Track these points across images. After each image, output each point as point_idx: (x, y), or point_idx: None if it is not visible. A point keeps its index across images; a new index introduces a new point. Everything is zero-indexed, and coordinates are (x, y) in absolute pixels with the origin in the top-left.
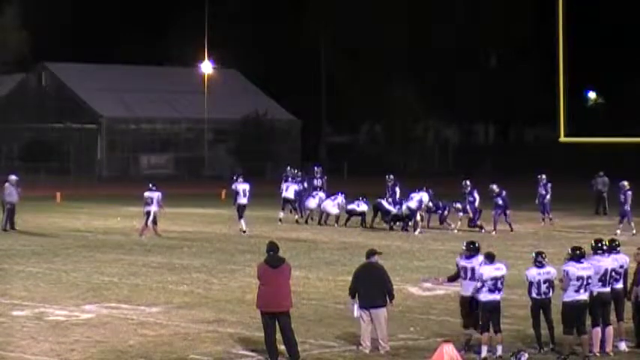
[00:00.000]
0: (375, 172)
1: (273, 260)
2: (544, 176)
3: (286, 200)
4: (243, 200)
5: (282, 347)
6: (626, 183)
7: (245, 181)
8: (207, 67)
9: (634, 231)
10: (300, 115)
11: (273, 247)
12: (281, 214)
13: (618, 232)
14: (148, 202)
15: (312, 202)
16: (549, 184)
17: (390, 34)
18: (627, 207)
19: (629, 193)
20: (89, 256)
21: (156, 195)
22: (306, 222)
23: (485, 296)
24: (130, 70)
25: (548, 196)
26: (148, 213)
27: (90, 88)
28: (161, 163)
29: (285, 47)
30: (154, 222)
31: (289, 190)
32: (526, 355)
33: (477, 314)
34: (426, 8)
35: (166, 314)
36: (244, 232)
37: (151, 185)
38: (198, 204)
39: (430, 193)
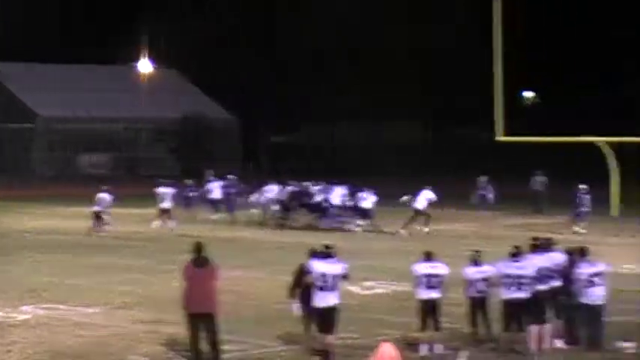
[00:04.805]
0: (318, 171)
1: (199, 261)
2: (485, 178)
3: (213, 201)
4: (164, 204)
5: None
6: (584, 186)
7: (168, 185)
8: (146, 67)
9: (581, 230)
10: (241, 114)
11: (198, 248)
12: (214, 216)
13: (577, 229)
14: (97, 203)
15: (251, 202)
16: (489, 186)
17: (329, 31)
18: (585, 209)
19: (587, 197)
20: (28, 257)
21: (103, 196)
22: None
23: (422, 293)
24: (69, 69)
25: (490, 195)
26: (95, 212)
27: (28, 87)
28: (100, 162)
29: (225, 47)
30: (100, 220)
31: (215, 191)
32: (465, 353)
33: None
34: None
35: (106, 315)
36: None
37: (104, 187)
38: (138, 204)
39: (350, 190)
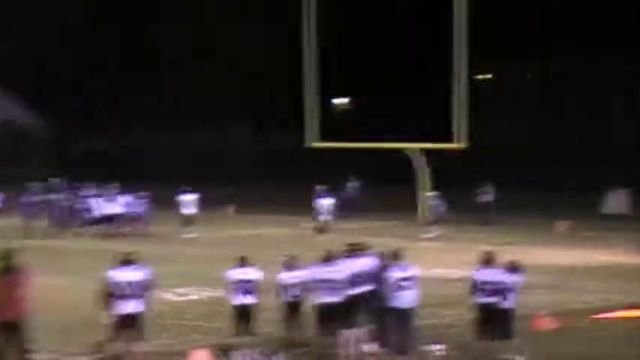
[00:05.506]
0: (125, 176)
1: (5, 268)
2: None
3: None
4: None
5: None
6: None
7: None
8: None
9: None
10: (52, 119)
11: (5, 255)
12: None
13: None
14: None
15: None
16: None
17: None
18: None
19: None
20: None
21: None
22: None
23: (235, 299)
24: None
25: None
26: None
27: None
28: None
29: (35, 51)
30: None
31: None
32: (280, 357)
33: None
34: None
35: None
36: None
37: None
38: None
39: (135, 197)
